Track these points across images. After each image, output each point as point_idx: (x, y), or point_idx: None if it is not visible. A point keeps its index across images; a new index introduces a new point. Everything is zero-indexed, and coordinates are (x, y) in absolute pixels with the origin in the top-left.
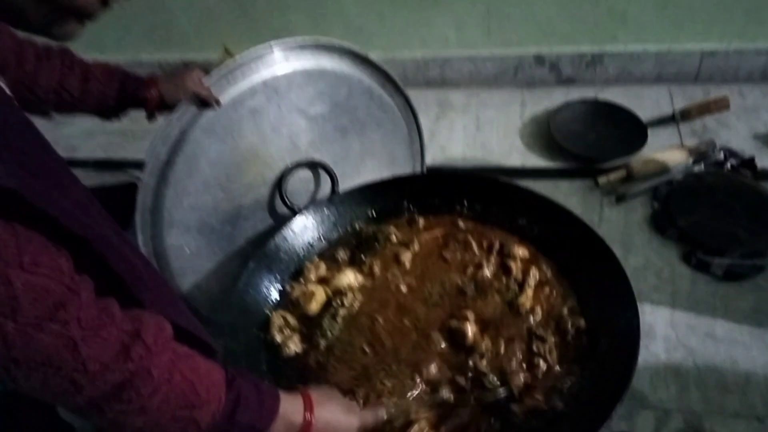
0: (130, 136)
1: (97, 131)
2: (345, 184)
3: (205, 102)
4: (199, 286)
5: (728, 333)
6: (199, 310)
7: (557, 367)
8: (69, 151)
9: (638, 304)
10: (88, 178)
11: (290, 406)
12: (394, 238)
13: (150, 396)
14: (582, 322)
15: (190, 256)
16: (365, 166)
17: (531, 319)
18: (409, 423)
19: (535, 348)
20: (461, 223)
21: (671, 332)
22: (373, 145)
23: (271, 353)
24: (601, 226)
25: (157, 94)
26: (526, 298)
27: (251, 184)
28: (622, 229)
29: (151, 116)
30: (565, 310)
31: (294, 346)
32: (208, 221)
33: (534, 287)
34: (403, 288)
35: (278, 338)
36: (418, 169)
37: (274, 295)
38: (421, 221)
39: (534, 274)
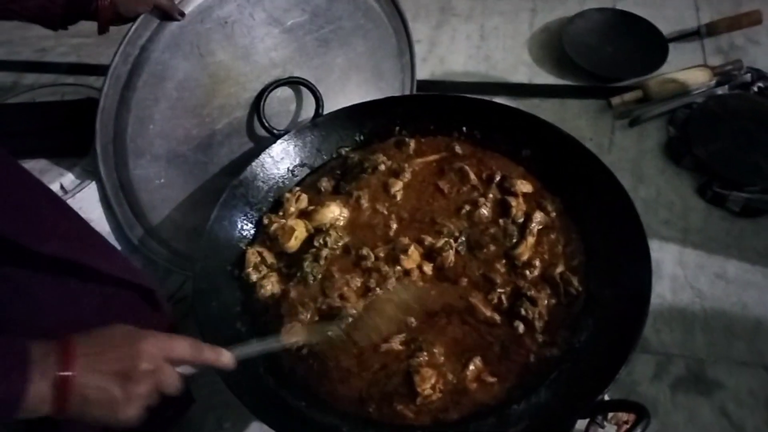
0: (105, 37)
1: (69, 32)
2: (329, 103)
3: (166, 13)
4: (172, 220)
5: (740, 274)
6: (173, 245)
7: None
8: (39, 53)
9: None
10: (51, 93)
11: (40, 366)
12: (383, 167)
13: None
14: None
15: (160, 187)
16: (350, 82)
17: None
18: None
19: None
20: (458, 149)
21: (679, 271)
22: (359, 57)
23: (246, 293)
24: (611, 151)
25: (110, 2)
26: (525, 248)
27: (224, 107)
28: (634, 156)
29: (102, 30)
30: (567, 266)
31: (271, 286)
32: (178, 149)
33: (537, 234)
34: (393, 224)
35: (253, 277)
36: (408, 83)
37: (250, 229)
38: (412, 144)
39: (538, 218)
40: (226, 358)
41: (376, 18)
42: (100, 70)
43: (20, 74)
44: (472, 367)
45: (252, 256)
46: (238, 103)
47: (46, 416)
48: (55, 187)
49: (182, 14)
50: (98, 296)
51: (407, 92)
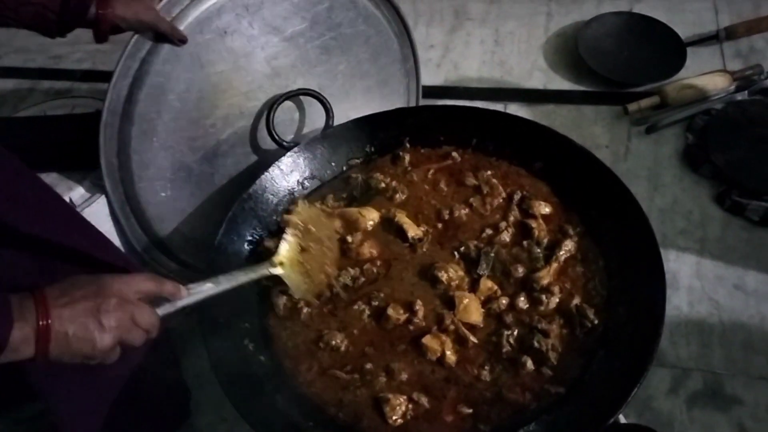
0: (119, 44)
1: (84, 39)
2: (335, 109)
3: (165, 38)
4: (180, 232)
5: (760, 286)
6: (181, 257)
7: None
8: (54, 60)
9: (662, 250)
10: (62, 105)
11: (19, 313)
12: (382, 185)
13: None
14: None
15: (166, 200)
16: (355, 89)
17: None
18: None
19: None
20: (461, 160)
21: (697, 283)
22: (362, 64)
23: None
24: (627, 159)
25: (109, 15)
26: (547, 273)
27: (228, 117)
28: (651, 163)
29: (101, 39)
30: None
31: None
32: (183, 161)
33: (563, 262)
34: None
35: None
36: (413, 88)
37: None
38: (407, 158)
39: (568, 246)
40: (183, 291)
41: (377, 24)
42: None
43: (36, 81)
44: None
45: None
46: (241, 113)
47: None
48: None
49: (183, 41)
50: None
51: (413, 97)
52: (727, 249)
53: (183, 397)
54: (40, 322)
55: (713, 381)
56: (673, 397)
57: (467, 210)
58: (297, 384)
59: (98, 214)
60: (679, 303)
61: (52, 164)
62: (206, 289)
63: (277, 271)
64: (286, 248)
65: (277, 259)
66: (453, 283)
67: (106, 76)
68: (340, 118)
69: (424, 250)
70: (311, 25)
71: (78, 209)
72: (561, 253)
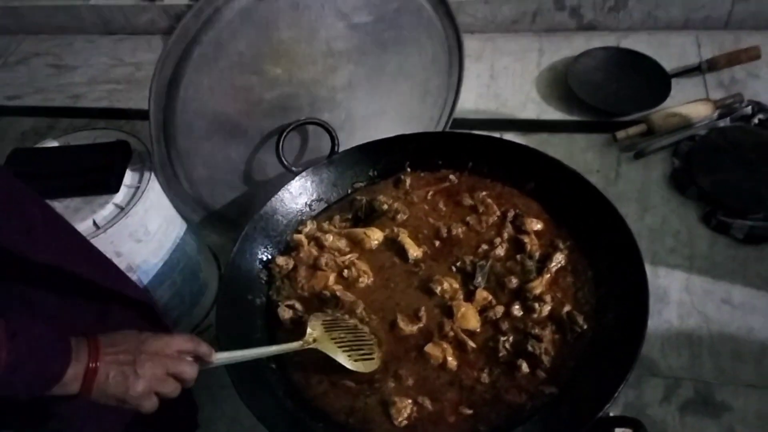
0: (135, 84)
1: (101, 79)
2: (374, 103)
3: None
4: (212, 180)
5: (746, 299)
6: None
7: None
8: (73, 99)
9: (653, 267)
10: (84, 137)
11: (75, 354)
12: (385, 206)
13: None
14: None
15: (198, 139)
16: (398, 87)
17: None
18: None
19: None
20: (455, 180)
21: (686, 297)
22: (411, 67)
23: (267, 320)
24: (617, 183)
25: None
26: (540, 283)
27: (277, 80)
28: (640, 186)
29: None
30: (575, 307)
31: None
32: (224, 110)
33: (554, 273)
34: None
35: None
36: (450, 102)
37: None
38: (408, 181)
39: (559, 259)
40: (214, 356)
41: (436, 35)
42: (130, 114)
43: (55, 119)
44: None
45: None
46: (289, 80)
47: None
48: (88, 223)
49: None
50: (95, 311)
51: (448, 110)
52: (714, 265)
53: (191, 409)
54: (90, 365)
55: (704, 389)
56: (666, 405)
57: (464, 228)
58: (308, 396)
59: (120, 234)
60: (669, 317)
61: (76, 190)
62: (237, 356)
63: (315, 346)
64: (311, 332)
65: (310, 337)
66: (447, 295)
67: (122, 113)
68: (385, 111)
69: (423, 267)
70: (376, 20)
71: (100, 230)
72: (552, 265)
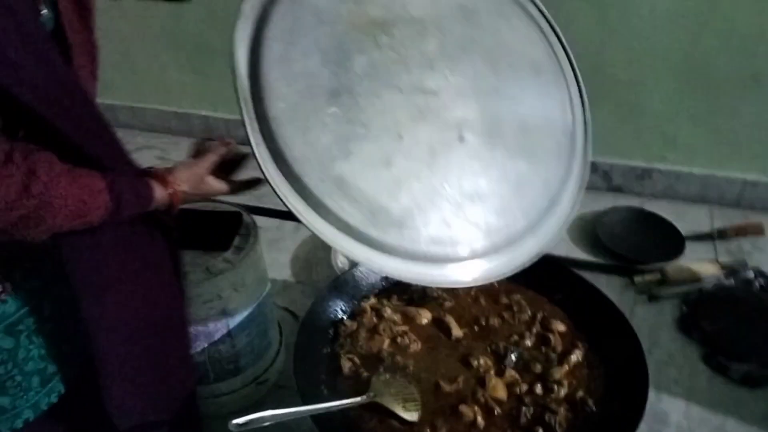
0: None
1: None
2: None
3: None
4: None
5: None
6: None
7: None
8: None
9: (657, 393)
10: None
11: (158, 188)
12: (435, 293)
13: (52, 218)
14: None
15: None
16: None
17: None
18: None
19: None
20: (498, 285)
21: (684, 422)
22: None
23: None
24: (632, 320)
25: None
26: (560, 372)
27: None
28: (651, 325)
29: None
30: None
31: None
32: (312, 55)
33: (572, 366)
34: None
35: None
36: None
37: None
38: None
39: (577, 354)
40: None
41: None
42: None
43: None
44: None
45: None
46: (377, 44)
47: None
48: (202, 268)
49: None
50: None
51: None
52: (711, 399)
53: (195, 424)
54: (169, 190)
55: None
56: None
57: (500, 320)
58: (360, 428)
59: (225, 281)
60: None
61: (194, 245)
62: (303, 410)
63: (377, 399)
64: (373, 387)
65: (372, 392)
66: (482, 369)
67: None
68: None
69: (464, 344)
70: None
71: (211, 275)
72: (571, 358)
